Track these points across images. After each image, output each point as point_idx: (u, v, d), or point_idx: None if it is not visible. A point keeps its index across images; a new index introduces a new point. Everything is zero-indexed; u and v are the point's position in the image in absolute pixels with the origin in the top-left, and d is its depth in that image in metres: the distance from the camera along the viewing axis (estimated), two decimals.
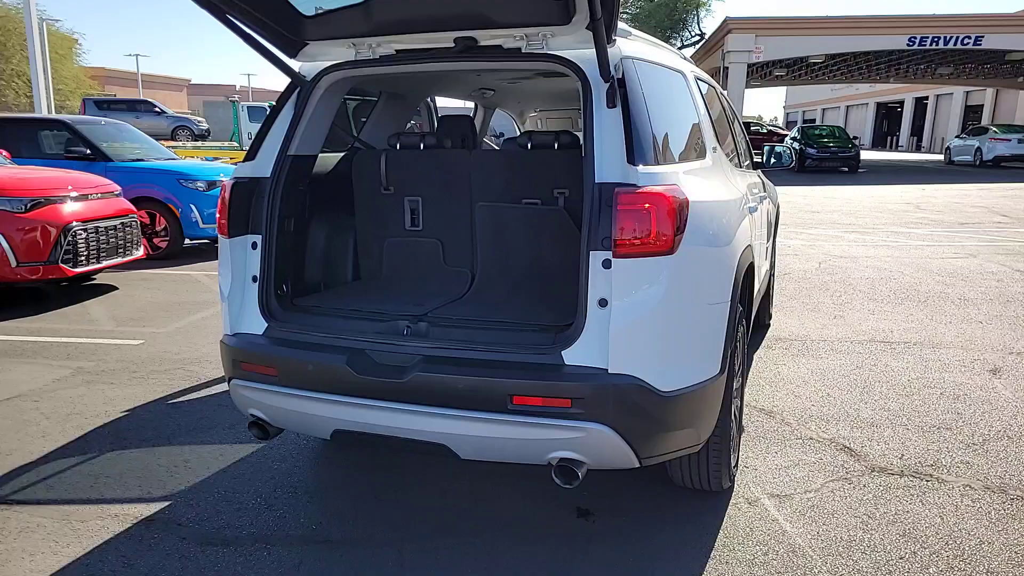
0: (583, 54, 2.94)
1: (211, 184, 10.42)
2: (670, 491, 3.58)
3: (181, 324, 6.90)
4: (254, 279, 3.26)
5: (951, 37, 28.16)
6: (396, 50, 3.22)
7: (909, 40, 28.48)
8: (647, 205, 2.64)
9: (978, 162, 30.70)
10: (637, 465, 2.80)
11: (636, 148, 2.72)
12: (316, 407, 2.97)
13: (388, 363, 2.87)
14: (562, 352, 2.73)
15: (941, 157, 35.59)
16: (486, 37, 3.04)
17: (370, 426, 2.89)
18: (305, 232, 3.59)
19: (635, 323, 2.66)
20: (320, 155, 3.58)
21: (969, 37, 28.02)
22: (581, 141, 3.62)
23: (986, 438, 4.22)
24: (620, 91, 2.84)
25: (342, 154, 4.04)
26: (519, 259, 3.66)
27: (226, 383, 3.36)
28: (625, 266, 2.65)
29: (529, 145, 3.69)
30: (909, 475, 3.78)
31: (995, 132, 30.88)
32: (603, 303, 2.70)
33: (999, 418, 4.51)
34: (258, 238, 3.25)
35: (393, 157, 3.88)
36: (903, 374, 5.35)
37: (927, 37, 28.22)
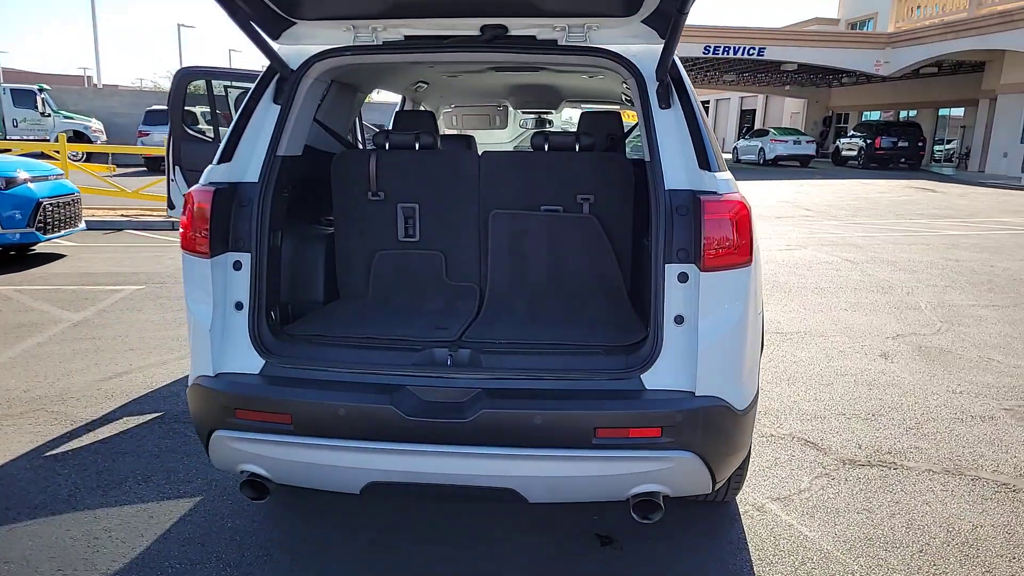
0: (633, 50, 2.71)
1: (9, 181, 8.77)
2: (676, 505, 3.47)
3: (14, 353, 5.70)
4: (238, 306, 2.68)
5: (739, 48, 31.19)
6: (405, 36, 2.76)
7: (704, 49, 31.12)
8: (731, 213, 2.48)
9: (761, 161, 34.43)
10: (709, 491, 2.64)
11: (708, 152, 2.56)
12: (347, 458, 2.48)
13: (440, 400, 2.46)
14: (641, 376, 2.49)
15: (729, 156, 39.47)
16: (519, 26, 2.69)
17: (419, 475, 2.46)
18: (287, 247, 3.02)
19: (721, 340, 2.49)
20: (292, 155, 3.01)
21: (754, 48, 31.21)
22: (572, 140, 3.39)
23: (917, 421, 4.57)
24: (678, 91, 2.65)
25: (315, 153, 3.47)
26: (539, 272, 3.34)
27: (200, 440, 2.73)
28: (712, 280, 2.46)
29: (546, 146, 3.37)
30: (877, 465, 3.98)
31: (774, 134, 34.84)
32: (680, 320, 2.51)
33: (914, 401, 4.92)
34: (244, 257, 2.67)
35: (384, 158, 3.38)
36: (813, 364, 5.69)
37: (720, 47, 31.02)
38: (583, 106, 6.73)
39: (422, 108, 5.70)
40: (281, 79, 2.86)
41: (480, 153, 3.42)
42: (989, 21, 25.36)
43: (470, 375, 2.54)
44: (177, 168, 5.56)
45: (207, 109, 7.69)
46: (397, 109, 5.30)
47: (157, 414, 4.55)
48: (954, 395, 5.03)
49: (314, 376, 2.60)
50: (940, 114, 35.68)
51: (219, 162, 2.78)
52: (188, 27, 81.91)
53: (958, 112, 34.41)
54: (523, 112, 6.39)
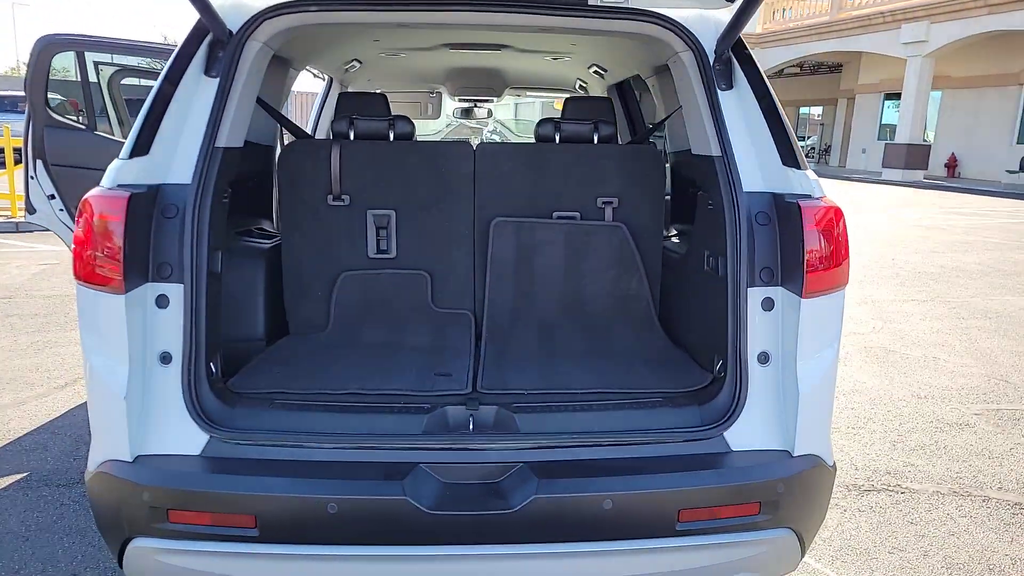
0: (684, 15, 2.16)
1: None
2: None
3: None
4: (165, 359, 1.93)
5: None
6: None
7: None
8: (834, 223, 1.99)
9: None
10: (794, 569, 2.16)
11: (794, 145, 2.06)
12: (343, 570, 1.79)
13: (470, 482, 1.82)
14: (724, 434, 1.96)
15: None
16: None
17: None
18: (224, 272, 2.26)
19: (823, 382, 2.01)
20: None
21: None
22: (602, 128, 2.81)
23: (899, 433, 4.36)
24: (748, 69, 2.13)
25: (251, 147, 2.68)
26: (551, 295, 2.73)
27: (110, 549, 1.95)
28: (815, 308, 1.97)
29: (557, 137, 2.73)
30: (883, 489, 3.69)
31: None
32: (765, 359, 2.00)
33: (886, 410, 4.73)
34: (172, 289, 1.92)
35: (349, 151, 2.64)
36: None
37: None
38: (528, 94, 6.11)
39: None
40: (215, 43, 2.09)
41: (475, 146, 2.75)
42: (849, 24, 27.01)
43: (504, 443, 1.93)
44: (39, 162, 4.43)
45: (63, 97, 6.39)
46: (324, 93, 4.48)
47: (19, 476, 3.56)
48: (921, 401, 4.89)
49: (284, 456, 1.89)
50: (801, 112, 37.92)
51: (131, 155, 1.98)
52: (22, 4, 73.86)
53: (817, 110, 36.70)
54: (458, 100, 5.69)
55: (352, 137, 2.69)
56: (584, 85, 4.86)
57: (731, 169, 2.06)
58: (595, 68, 4.01)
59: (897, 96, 25.92)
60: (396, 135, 2.71)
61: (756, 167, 2.08)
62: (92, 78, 4.97)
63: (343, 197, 2.66)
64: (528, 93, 6.03)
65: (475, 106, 5.78)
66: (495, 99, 5.65)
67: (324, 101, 4.44)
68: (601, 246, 2.70)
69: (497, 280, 2.72)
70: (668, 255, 2.79)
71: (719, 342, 2.15)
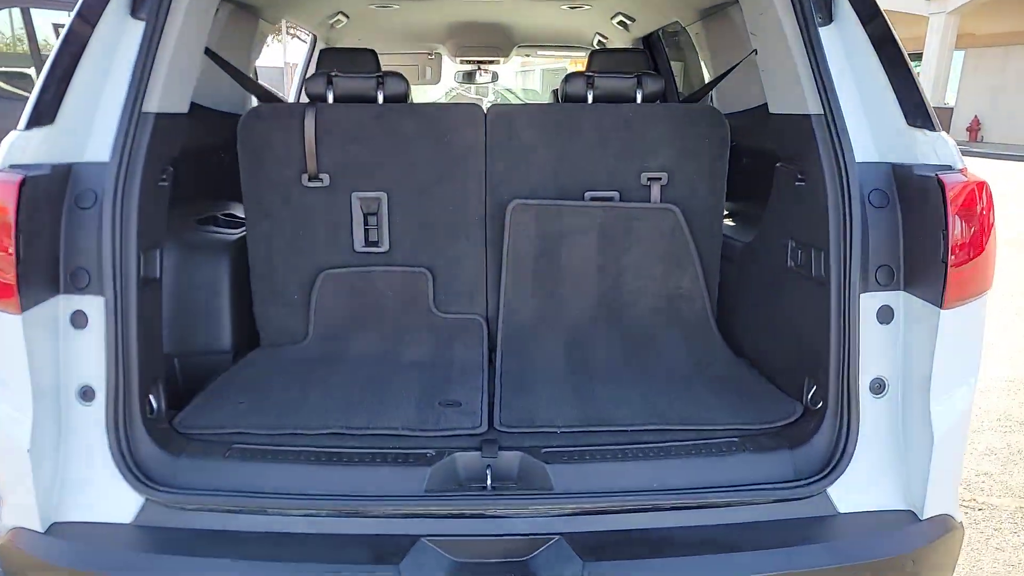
0: None
1: None
2: None
3: None
4: (85, 395, 1.49)
5: None
6: None
7: None
8: (984, 204, 1.50)
9: None
10: None
11: (924, 99, 1.57)
12: None
13: (488, 559, 1.39)
14: (828, 491, 1.49)
15: None
16: None
17: None
18: (169, 268, 1.79)
19: (960, 421, 1.53)
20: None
21: None
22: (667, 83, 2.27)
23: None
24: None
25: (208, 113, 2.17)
26: (585, 296, 2.21)
27: None
28: (956, 320, 1.49)
29: (589, 96, 2.19)
30: (963, 505, 3.20)
31: None
32: (879, 388, 1.52)
33: None
34: (92, 303, 1.46)
35: (328, 118, 2.11)
36: None
37: None
38: (538, 54, 5.50)
39: None
40: None
41: (486, 108, 2.21)
42: None
43: (535, 506, 1.46)
44: None
45: None
46: (307, 55, 3.90)
47: None
48: (983, 394, 4.38)
49: (244, 526, 1.43)
50: None
51: (29, 126, 1.48)
52: None
53: None
54: (461, 62, 5.09)
55: (331, 99, 2.16)
56: (604, 40, 4.27)
57: (838, 132, 1.56)
58: (620, 17, 3.43)
59: (918, 57, 24.99)
60: (387, 96, 2.17)
61: (867, 129, 1.59)
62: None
63: (321, 176, 2.14)
64: (538, 53, 5.42)
65: (478, 69, 5.18)
66: (501, 60, 5.05)
67: (308, 64, 3.88)
68: (646, 235, 2.16)
69: (515, 278, 2.20)
70: (726, 245, 2.26)
71: (812, 362, 1.65)
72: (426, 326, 2.23)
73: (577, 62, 6.39)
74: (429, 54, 4.87)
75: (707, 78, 2.83)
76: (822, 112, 1.61)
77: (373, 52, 2.87)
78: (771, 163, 2.05)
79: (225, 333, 2.25)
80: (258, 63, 3.80)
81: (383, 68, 4.65)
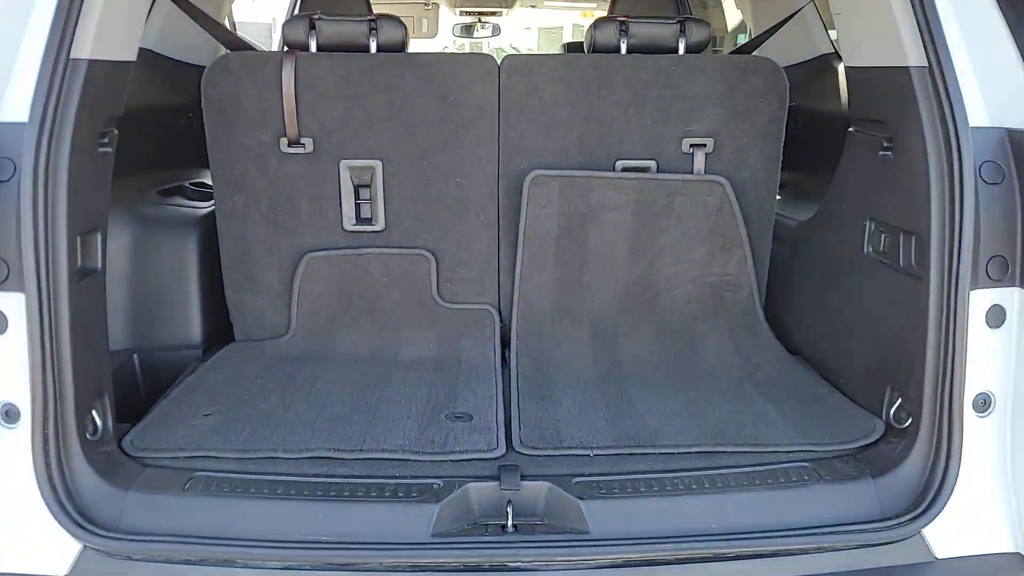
0: None
1: None
2: None
3: None
4: (8, 415, 1.18)
5: None
6: None
7: None
8: None
9: None
10: None
11: None
12: None
13: None
14: (923, 532, 1.22)
15: None
16: None
17: None
18: (118, 252, 1.49)
19: None
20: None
21: None
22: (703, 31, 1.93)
23: None
24: None
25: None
26: (614, 282, 1.89)
27: None
28: None
29: (623, 46, 1.83)
30: None
31: None
32: (985, 404, 1.25)
33: None
34: (11, 301, 1.15)
35: (310, 70, 1.76)
36: None
37: None
38: (546, 2, 5.08)
39: None
40: None
41: (500, 60, 1.85)
42: None
43: (569, 556, 1.18)
44: None
45: None
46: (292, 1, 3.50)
47: None
48: None
49: None
50: None
51: None
52: None
53: None
54: (460, 13, 4.68)
55: (314, 48, 1.80)
56: None
57: (947, 89, 1.23)
58: None
59: None
60: (381, 45, 1.81)
61: (975, 85, 1.27)
62: None
63: (303, 141, 1.79)
64: (545, 2, 5.01)
65: (479, 21, 4.78)
66: (504, 11, 4.64)
67: (293, 10, 3.49)
68: (688, 212, 1.83)
69: (533, 262, 1.87)
70: (777, 224, 1.94)
71: (898, 370, 1.37)
72: (429, 318, 1.91)
73: (588, 14, 5.97)
74: (426, 3, 4.45)
75: (748, 27, 2.48)
76: (926, 64, 1.28)
77: None
78: (838, 127, 1.72)
79: (194, 324, 1.93)
80: (243, 18, 3.41)
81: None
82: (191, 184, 2.19)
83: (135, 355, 1.85)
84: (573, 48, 3.18)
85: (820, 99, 1.95)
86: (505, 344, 1.92)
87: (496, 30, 5.00)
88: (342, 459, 1.38)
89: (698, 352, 1.85)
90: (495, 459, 1.39)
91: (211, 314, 1.94)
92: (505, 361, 1.84)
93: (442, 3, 4.58)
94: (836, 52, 2.08)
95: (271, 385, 1.66)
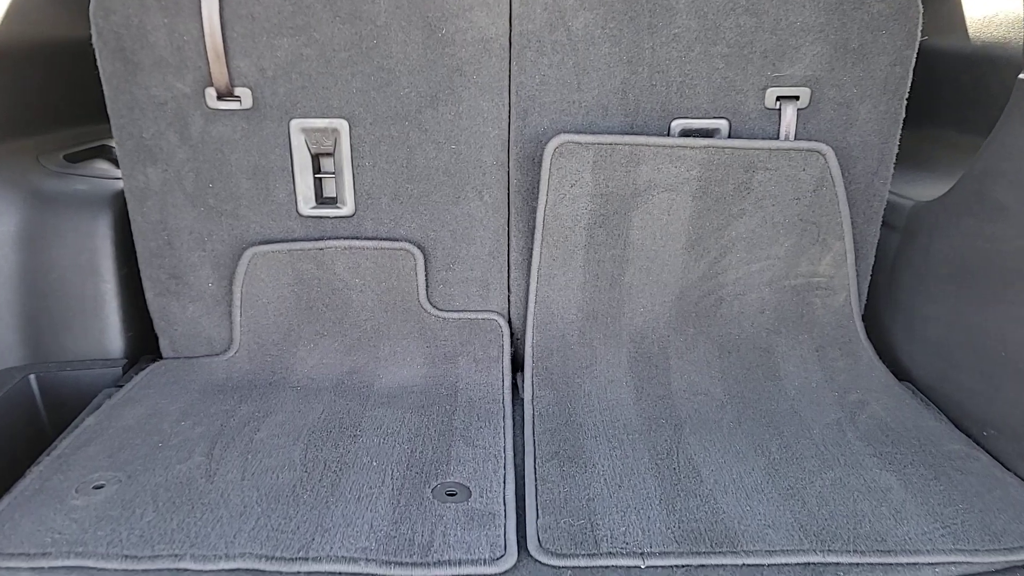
0: None
1: None
2: None
3: None
4: None
5: None
6: None
7: None
8: None
9: None
10: None
11: None
12: None
13: None
14: None
15: None
16: None
17: None
18: None
19: None
20: None
21: None
22: None
23: None
24: None
25: None
26: (661, 286, 1.41)
27: None
28: None
29: None
30: None
31: None
32: None
33: None
34: None
35: None
36: None
37: None
38: None
39: None
40: None
41: None
42: None
43: None
44: None
45: None
46: None
47: None
48: None
49: None
50: None
51: None
52: None
53: None
54: None
55: None
56: None
57: None
58: None
59: None
60: None
61: None
62: None
63: (237, 93, 1.28)
64: None
65: None
66: None
67: None
68: (773, 192, 1.31)
69: (555, 258, 1.38)
70: (892, 206, 1.43)
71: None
72: (415, 331, 1.44)
73: None
74: None
75: None
76: None
77: None
78: (991, 72, 1.20)
79: (112, 332, 1.47)
80: None
81: None
82: (112, 146, 1.70)
83: (32, 375, 1.41)
84: None
85: (953, 34, 1.41)
86: (517, 366, 1.45)
87: None
88: (277, 573, 0.94)
89: (776, 380, 1.37)
90: (503, 573, 0.95)
91: (136, 317, 1.48)
92: (517, 391, 1.38)
93: None
94: None
95: (198, 432, 1.21)
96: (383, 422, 1.25)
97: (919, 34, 1.29)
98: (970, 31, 1.40)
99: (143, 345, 1.52)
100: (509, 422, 1.26)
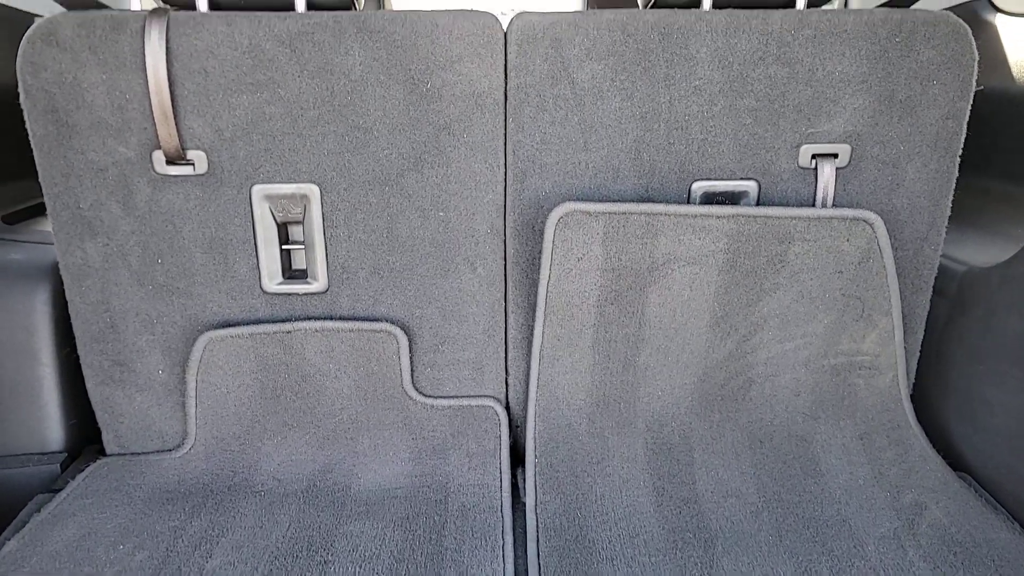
0: None
1: None
2: None
3: None
4: None
5: None
6: None
7: None
8: None
9: None
10: None
11: None
12: None
13: None
14: None
15: None
16: None
17: None
18: None
19: None
20: None
21: None
22: None
23: None
24: None
25: None
26: (682, 369, 1.24)
27: None
28: None
29: None
30: None
31: None
32: None
33: None
34: None
35: (193, 40, 1.07)
36: None
37: None
38: None
39: None
40: None
41: (509, 20, 1.15)
42: None
43: None
44: None
45: None
46: None
47: None
48: None
49: None
50: None
51: None
52: None
53: None
54: None
55: (204, 4, 1.09)
56: None
57: None
58: None
59: None
60: (315, 2, 1.10)
61: None
62: None
63: (190, 156, 1.10)
64: None
65: None
66: None
67: None
68: (812, 264, 1.14)
69: (560, 338, 1.19)
70: (941, 270, 1.26)
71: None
72: (399, 422, 1.25)
73: None
74: None
75: None
76: None
77: None
78: None
79: (51, 422, 1.28)
80: None
81: None
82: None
83: None
84: None
85: (1006, 69, 1.25)
86: (517, 460, 1.27)
87: None
88: None
89: (818, 476, 1.19)
90: None
91: (79, 403, 1.29)
92: (518, 492, 1.20)
93: None
94: None
95: (138, 560, 1.02)
96: (359, 542, 1.06)
97: (974, 84, 1.13)
98: (1002, 67, 1.24)
99: (87, 434, 1.33)
100: (509, 538, 1.08)
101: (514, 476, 1.24)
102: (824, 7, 1.16)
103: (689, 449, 1.23)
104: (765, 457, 1.22)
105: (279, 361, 1.23)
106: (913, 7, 1.26)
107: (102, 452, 1.31)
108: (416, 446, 1.25)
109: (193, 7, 1.11)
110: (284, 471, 1.21)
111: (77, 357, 1.29)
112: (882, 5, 1.21)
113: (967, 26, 1.11)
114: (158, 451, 1.26)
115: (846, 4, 1.72)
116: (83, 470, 1.23)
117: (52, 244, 1.40)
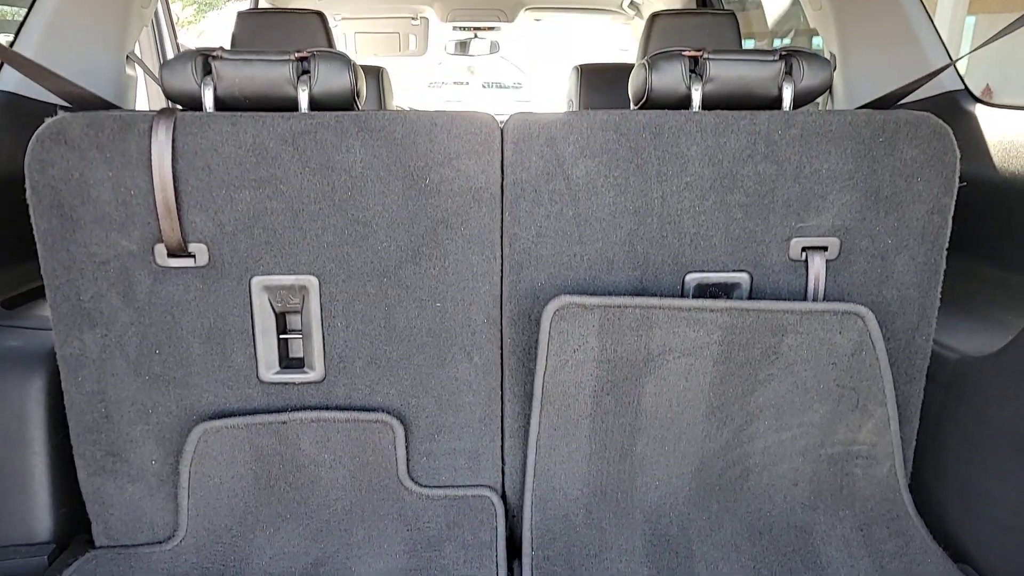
0: None
1: None
2: None
3: None
4: None
5: None
6: None
7: None
8: None
9: None
10: None
11: None
12: None
13: None
14: None
15: None
16: None
17: None
18: None
19: None
20: None
21: None
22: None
23: None
24: None
25: None
26: (679, 460, 1.25)
27: None
28: None
29: (696, 96, 1.15)
30: None
31: None
32: None
33: None
34: None
35: (198, 140, 1.10)
36: None
37: None
38: (554, 15, 4.39)
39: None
40: None
41: (504, 120, 1.18)
42: None
43: None
44: None
45: None
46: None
47: None
48: None
49: None
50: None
51: None
52: None
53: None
54: (453, 28, 4.01)
55: (210, 104, 1.13)
56: (638, 1, 3.23)
57: None
58: None
59: None
60: (315, 97, 1.14)
61: None
62: None
63: (191, 249, 1.13)
64: (550, 13, 4.32)
65: (475, 36, 4.10)
66: (504, 24, 3.96)
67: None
68: (805, 357, 1.16)
69: (557, 428, 1.20)
70: (939, 360, 1.27)
71: None
72: (394, 513, 1.24)
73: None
74: (414, 17, 3.77)
75: (829, 53, 1.82)
76: None
77: (319, 16, 1.83)
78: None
79: (40, 512, 1.26)
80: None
81: (358, 41, 3.58)
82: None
83: None
84: (588, 73, 2.47)
85: (987, 154, 1.29)
86: (514, 552, 1.25)
87: (495, 47, 4.32)
88: None
89: (819, 569, 1.18)
90: None
91: (69, 492, 1.28)
92: None
93: (432, 17, 3.90)
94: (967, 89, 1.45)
95: None
96: None
97: (957, 180, 1.16)
98: (1011, 153, 1.28)
99: (76, 524, 1.30)
100: None
101: (510, 570, 1.22)
102: (809, 108, 1.20)
103: (688, 541, 1.22)
104: (765, 550, 1.21)
105: (274, 451, 1.22)
106: (898, 104, 1.30)
107: (91, 542, 1.29)
108: (411, 538, 1.23)
109: (200, 108, 1.15)
110: (276, 565, 1.19)
111: (70, 446, 1.28)
112: (864, 106, 1.25)
113: (947, 127, 1.15)
114: (148, 543, 1.24)
115: (830, 105, 1.78)
116: (70, 564, 1.21)
117: (50, 330, 1.40)
